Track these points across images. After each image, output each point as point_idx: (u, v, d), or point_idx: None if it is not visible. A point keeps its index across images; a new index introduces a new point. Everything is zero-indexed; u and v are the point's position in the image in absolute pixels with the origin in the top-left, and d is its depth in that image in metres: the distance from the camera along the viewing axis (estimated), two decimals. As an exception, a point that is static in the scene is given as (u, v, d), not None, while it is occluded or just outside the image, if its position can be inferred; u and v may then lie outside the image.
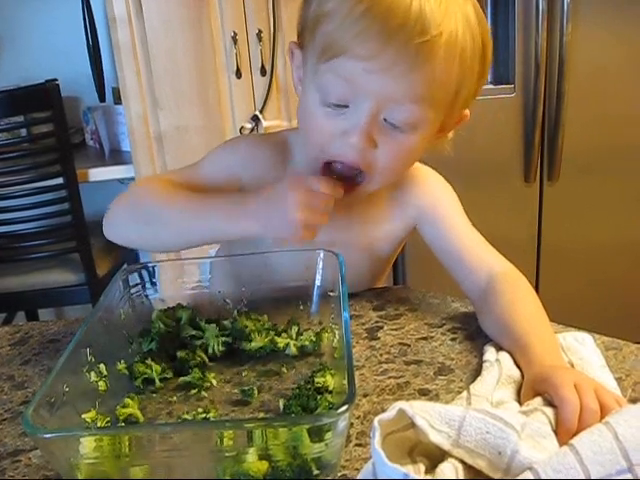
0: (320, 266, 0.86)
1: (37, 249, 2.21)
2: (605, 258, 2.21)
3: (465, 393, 0.68)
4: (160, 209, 0.87)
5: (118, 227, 0.93)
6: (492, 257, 0.93)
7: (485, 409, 0.57)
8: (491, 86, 2.07)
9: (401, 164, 0.86)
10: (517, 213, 2.17)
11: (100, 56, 2.55)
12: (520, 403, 0.67)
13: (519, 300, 0.85)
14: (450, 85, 0.77)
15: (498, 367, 0.73)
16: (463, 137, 2.05)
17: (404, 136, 0.80)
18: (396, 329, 0.88)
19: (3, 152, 2.11)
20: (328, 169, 0.85)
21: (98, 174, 2.25)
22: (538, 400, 0.64)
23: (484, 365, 0.75)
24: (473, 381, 0.72)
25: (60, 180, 2.10)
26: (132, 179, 2.22)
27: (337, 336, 0.78)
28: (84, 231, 2.18)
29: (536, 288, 2.24)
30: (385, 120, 0.79)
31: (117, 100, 2.33)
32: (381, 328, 0.89)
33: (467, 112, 0.88)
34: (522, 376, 0.72)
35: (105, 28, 2.49)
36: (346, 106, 0.79)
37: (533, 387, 0.68)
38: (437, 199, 0.98)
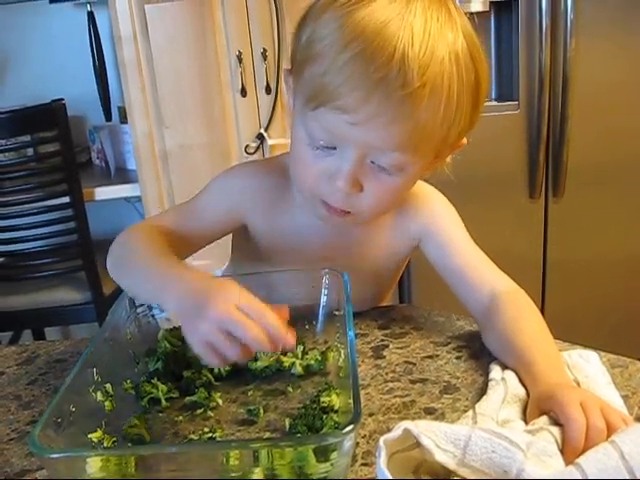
0: (325, 285, 0.86)
1: (43, 268, 2.22)
2: (611, 273, 2.20)
3: (471, 412, 0.68)
4: (131, 260, 0.86)
5: (109, 262, 0.90)
6: (495, 275, 0.93)
7: (491, 428, 0.57)
8: (495, 103, 2.08)
9: (388, 202, 0.86)
10: (522, 229, 2.17)
11: (106, 75, 2.57)
12: (526, 422, 0.67)
13: (522, 318, 0.85)
14: (435, 130, 0.76)
15: (504, 386, 0.72)
16: (468, 154, 2.05)
17: (391, 178, 0.81)
18: (401, 347, 0.88)
19: (10, 171, 2.13)
20: (322, 203, 0.84)
21: (104, 193, 2.26)
22: (544, 419, 0.64)
23: (490, 384, 0.75)
24: (479, 400, 0.72)
25: (66, 199, 2.11)
26: (138, 197, 2.24)
27: (342, 355, 0.78)
28: (90, 250, 2.19)
29: (542, 303, 2.23)
30: (372, 162, 0.79)
31: (123, 119, 2.35)
32: (387, 347, 0.89)
33: (464, 142, 0.87)
34: (528, 394, 0.72)
35: (111, 47, 2.51)
36: (334, 148, 0.79)
37: (539, 405, 0.68)
38: (440, 218, 0.98)
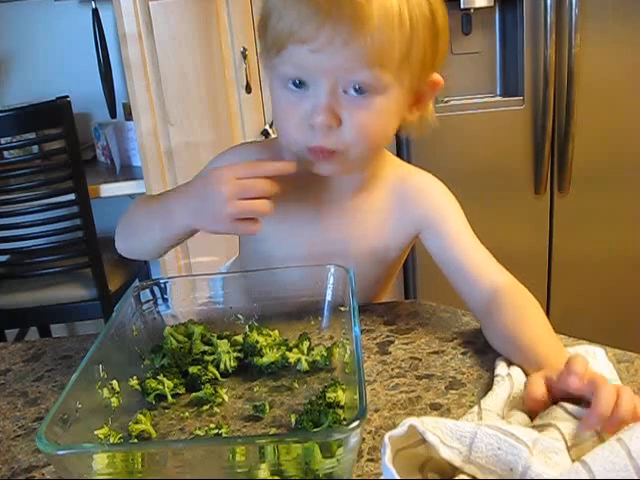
0: (331, 281, 0.86)
1: (49, 265, 2.22)
2: (617, 268, 2.20)
3: (476, 408, 0.68)
4: (134, 219, 0.98)
5: (118, 241, 1.00)
6: (495, 269, 0.92)
7: (496, 425, 0.56)
8: (500, 98, 2.08)
9: (371, 133, 0.85)
10: (528, 224, 2.17)
11: (111, 73, 2.57)
12: (531, 417, 0.67)
13: (525, 315, 0.84)
14: (394, 47, 0.80)
15: (509, 382, 0.72)
16: (473, 149, 2.06)
17: (366, 102, 0.82)
18: (407, 343, 0.88)
19: (15, 169, 2.13)
20: (309, 150, 0.86)
21: (109, 190, 2.27)
22: (552, 414, 0.64)
23: (495, 379, 0.75)
24: (484, 395, 0.72)
25: (72, 196, 2.11)
26: (143, 194, 2.24)
27: (348, 351, 0.78)
28: (96, 247, 2.19)
29: (547, 299, 2.23)
30: (345, 92, 0.82)
31: (128, 116, 2.35)
32: (392, 342, 0.89)
33: (439, 78, 0.89)
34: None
35: (116, 45, 2.51)
36: (306, 88, 0.83)
37: (551, 383, 0.68)
38: (441, 208, 0.98)
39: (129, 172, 2.38)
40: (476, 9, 1.99)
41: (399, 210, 0.98)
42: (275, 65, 0.84)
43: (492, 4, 1.96)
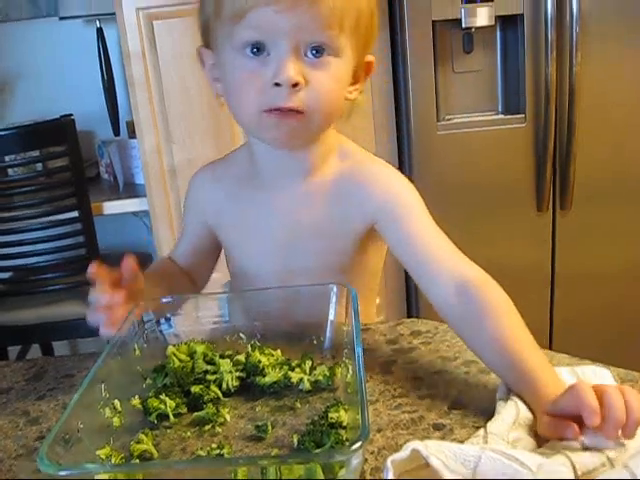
0: (333, 300, 0.86)
1: (52, 282, 2.22)
2: (619, 286, 2.19)
3: (482, 431, 0.68)
4: None
5: None
6: (462, 262, 0.88)
7: (501, 449, 0.56)
8: (502, 116, 2.09)
9: (332, 94, 0.90)
10: (530, 241, 2.16)
11: (114, 90, 2.58)
12: (538, 444, 0.67)
13: (506, 323, 0.80)
14: (350, 15, 0.87)
15: (515, 407, 0.72)
16: (475, 166, 2.06)
17: (324, 63, 0.87)
18: (410, 363, 0.88)
19: (19, 186, 2.14)
20: (271, 112, 0.89)
21: (112, 207, 2.27)
22: (566, 445, 0.63)
23: (499, 403, 0.74)
24: (487, 415, 0.72)
25: (75, 213, 2.12)
26: (146, 212, 2.24)
27: (350, 371, 0.78)
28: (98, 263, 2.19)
29: (550, 316, 2.23)
30: (306, 55, 0.86)
31: (131, 134, 2.36)
32: (395, 362, 0.88)
33: (372, 59, 0.97)
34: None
35: (120, 62, 2.53)
36: (267, 54, 0.86)
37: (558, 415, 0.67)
38: (397, 197, 0.97)
39: (132, 189, 2.39)
40: (477, 28, 2.00)
41: (350, 197, 0.98)
42: (232, 35, 0.87)
43: (493, 23, 1.97)
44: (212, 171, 1.11)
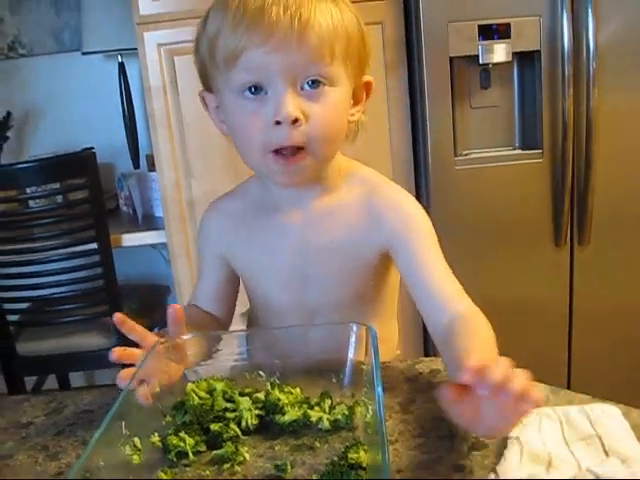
0: (353, 339, 0.86)
1: (70, 313, 2.24)
2: (638, 322, 2.17)
3: (492, 475, 0.68)
4: None
5: None
6: (457, 296, 0.94)
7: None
8: (519, 151, 2.09)
9: (333, 123, 0.92)
10: (548, 277, 2.15)
11: (135, 124, 2.62)
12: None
13: (474, 338, 0.86)
14: (339, 43, 0.89)
15: (518, 445, 0.72)
16: (493, 201, 2.06)
17: (322, 95, 0.89)
18: (429, 402, 0.87)
19: (39, 217, 2.17)
20: (276, 155, 0.91)
21: (131, 239, 2.29)
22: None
23: (508, 442, 0.74)
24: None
25: (94, 245, 2.14)
26: (164, 245, 2.26)
27: (370, 411, 0.78)
28: (116, 295, 2.21)
29: (568, 352, 2.20)
30: (302, 89, 0.89)
31: (151, 167, 2.39)
32: (414, 401, 0.88)
33: (371, 78, 0.99)
34: (546, 452, 0.72)
35: (141, 96, 2.57)
36: (265, 93, 0.89)
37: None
38: (412, 223, 1.00)
39: (151, 222, 2.41)
40: (494, 64, 2.01)
41: (367, 224, 1.00)
42: (229, 79, 0.90)
43: (510, 59, 1.98)
44: (223, 204, 1.12)
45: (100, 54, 2.62)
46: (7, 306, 2.24)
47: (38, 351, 2.29)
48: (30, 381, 2.47)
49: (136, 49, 2.09)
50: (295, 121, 0.88)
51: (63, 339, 2.28)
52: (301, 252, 1.02)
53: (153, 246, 2.53)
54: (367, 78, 0.99)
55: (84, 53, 2.57)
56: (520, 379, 0.64)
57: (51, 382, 2.72)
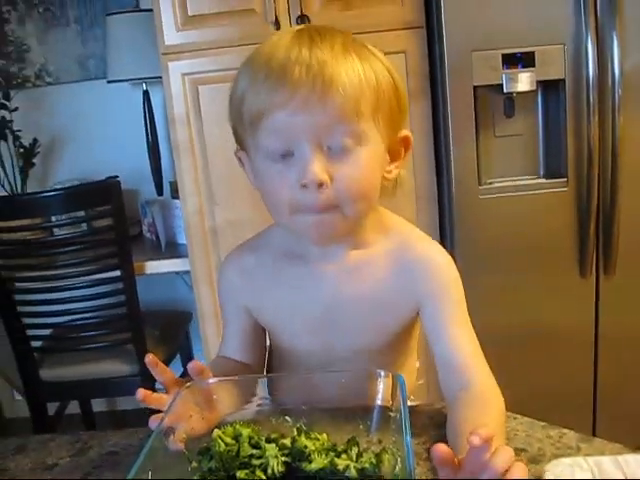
0: (381, 387, 0.85)
1: (93, 340, 2.26)
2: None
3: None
4: None
5: None
6: (476, 366, 0.94)
7: None
8: (544, 180, 2.07)
9: (362, 182, 0.90)
10: (573, 306, 2.13)
11: (158, 151, 2.64)
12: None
13: (480, 413, 0.86)
14: (365, 100, 0.87)
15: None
16: (518, 229, 2.04)
17: (350, 155, 0.88)
18: (457, 449, 0.86)
19: (64, 244, 2.18)
20: (306, 214, 0.90)
21: (154, 267, 2.31)
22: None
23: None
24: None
25: (117, 273, 2.15)
26: (187, 272, 2.26)
27: (399, 462, 0.77)
28: (139, 323, 2.21)
29: (594, 382, 2.17)
30: (329, 149, 0.87)
31: (174, 194, 2.40)
32: (442, 448, 0.87)
33: (408, 133, 0.97)
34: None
35: (164, 123, 2.59)
36: (292, 154, 0.87)
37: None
38: (443, 287, 0.99)
39: (174, 249, 2.42)
40: (518, 93, 2.00)
41: (399, 279, 0.99)
42: (256, 140, 0.89)
43: (534, 88, 1.98)
44: (243, 258, 1.08)
45: (125, 82, 2.65)
46: (31, 332, 2.25)
47: (61, 377, 2.30)
48: (51, 407, 2.48)
49: (160, 77, 2.11)
50: (321, 184, 0.86)
51: (86, 365, 2.30)
52: (332, 303, 1.00)
53: (177, 273, 2.54)
54: (404, 133, 0.97)
55: (109, 81, 2.60)
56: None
57: (74, 407, 2.73)
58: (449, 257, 1.02)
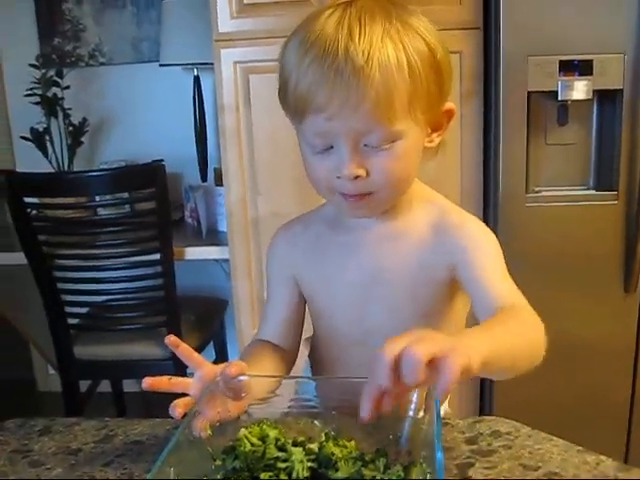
0: (414, 398, 0.83)
1: (128, 321, 2.27)
2: None
3: None
4: None
5: None
6: (513, 295, 0.93)
7: None
8: (593, 192, 2.02)
9: (400, 172, 0.93)
10: (615, 322, 2.07)
11: (206, 138, 2.65)
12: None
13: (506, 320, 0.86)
14: (401, 98, 0.87)
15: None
16: (563, 241, 2.00)
17: (388, 151, 0.90)
18: (489, 467, 0.83)
19: (106, 225, 2.20)
20: (343, 196, 0.95)
21: (194, 253, 2.31)
22: None
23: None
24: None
25: (157, 256, 2.15)
26: (226, 260, 2.26)
27: (428, 476, 0.75)
28: (175, 307, 2.22)
29: (631, 400, 2.12)
30: (366, 145, 0.90)
31: (218, 181, 2.40)
32: (473, 465, 0.84)
33: (451, 106, 0.98)
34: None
35: (213, 110, 2.59)
36: (331, 147, 0.91)
37: None
38: (477, 242, 0.99)
39: (215, 236, 2.42)
40: (573, 101, 1.95)
41: (434, 241, 1.01)
42: (300, 131, 0.94)
43: (590, 97, 1.92)
44: (293, 224, 1.14)
45: (177, 66, 2.65)
46: (68, 309, 2.27)
47: (95, 356, 2.33)
48: (84, 385, 2.51)
49: (212, 64, 2.10)
50: (356, 177, 0.91)
51: (120, 346, 2.31)
52: (371, 271, 1.03)
53: (217, 261, 2.54)
54: (448, 106, 0.98)
55: (161, 65, 2.61)
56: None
57: (105, 385, 2.76)
58: (485, 227, 1.03)
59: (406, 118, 0.90)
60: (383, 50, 0.86)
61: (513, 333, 0.83)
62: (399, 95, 0.87)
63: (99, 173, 2.17)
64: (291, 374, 1.10)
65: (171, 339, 0.89)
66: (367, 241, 1.04)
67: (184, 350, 0.89)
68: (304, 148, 0.96)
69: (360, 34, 0.86)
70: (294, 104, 0.90)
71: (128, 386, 2.80)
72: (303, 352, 1.18)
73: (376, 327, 1.04)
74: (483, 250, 0.98)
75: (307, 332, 1.18)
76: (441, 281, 1.02)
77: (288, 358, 1.10)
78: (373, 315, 1.04)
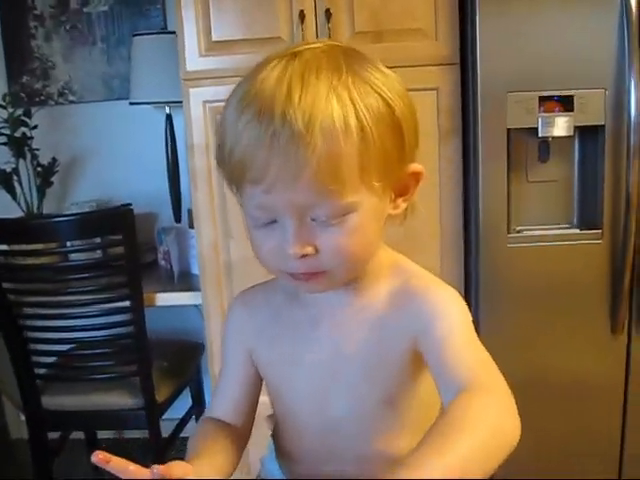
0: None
1: (97, 370, 2.19)
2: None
3: None
4: None
5: None
6: (477, 369, 0.78)
7: None
8: (577, 231, 1.97)
9: (353, 249, 0.81)
10: (603, 362, 2.01)
11: (178, 177, 2.58)
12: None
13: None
14: (348, 166, 0.76)
15: None
16: (548, 281, 1.94)
17: (339, 226, 0.79)
18: None
19: (76, 271, 2.12)
20: (292, 276, 0.83)
21: (166, 299, 2.24)
22: None
23: None
24: None
25: (127, 303, 2.08)
26: (198, 306, 2.19)
27: None
28: (146, 355, 2.14)
29: (621, 440, 2.06)
30: (314, 220, 0.78)
31: (191, 223, 2.32)
32: None
33: (418, 167, 0.85)
34: None
35: (186, 149, 2.52)
36: (275, 222, 0.80)
37: None
38: (440, 307, 0.85)
39: (188, 279, 2.34)
40: (554, 137, 1.91)
41: (396, 311, 0.89)
42: (241, 201, 0.83)
43: (572, 133, 1.88)
44: (253, 291, 1.02)
45: (148, 105, 2.59)
46: (35, 359, 2.19)
47: (63, 406, 2.24)
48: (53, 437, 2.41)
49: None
50: (304, 256, 0.79)
51: (89, 396, 2.22)
52: (328, 350, 0.92)
53: (198, 306, 2.46)
54: (414, 168, 0.85)
55: (132, 103, 2.55)
56: None
57: (76, 436, 2.67)
58: (455, 293, 0.89)
59: (358, 188, 0.78)
60: (327, 111, 0.74)
61: (473, 438, 0.66)
62: (347, 163, 0.75)
63: (67, 218, 2.09)
64: (252, 453, 1.02)
65: (99, 456, 0.73)
66: (327, 315, 0.93)
67: (117, 464, 0.75)
68: (247, 220, 0.85)
69: (301, 93, 0.74)
70: (230, 171, 0.80)
71: (103, 432, 2.70)
72: (265, 429, 1.09)
73: (338, 418, 0.93)
74: (447, 317, 0.84)
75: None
76: (404, 357, 0.89)
77: (241, 437, 0.99)
78: (335, 405, 0.93)
